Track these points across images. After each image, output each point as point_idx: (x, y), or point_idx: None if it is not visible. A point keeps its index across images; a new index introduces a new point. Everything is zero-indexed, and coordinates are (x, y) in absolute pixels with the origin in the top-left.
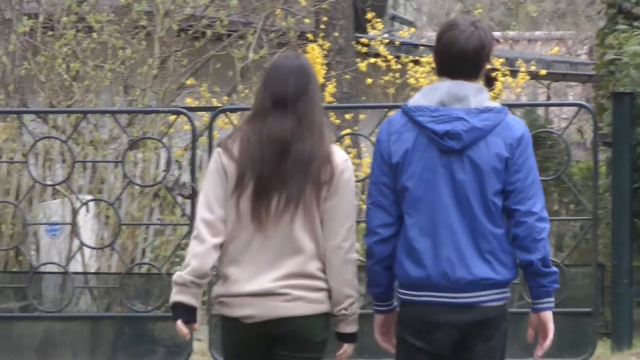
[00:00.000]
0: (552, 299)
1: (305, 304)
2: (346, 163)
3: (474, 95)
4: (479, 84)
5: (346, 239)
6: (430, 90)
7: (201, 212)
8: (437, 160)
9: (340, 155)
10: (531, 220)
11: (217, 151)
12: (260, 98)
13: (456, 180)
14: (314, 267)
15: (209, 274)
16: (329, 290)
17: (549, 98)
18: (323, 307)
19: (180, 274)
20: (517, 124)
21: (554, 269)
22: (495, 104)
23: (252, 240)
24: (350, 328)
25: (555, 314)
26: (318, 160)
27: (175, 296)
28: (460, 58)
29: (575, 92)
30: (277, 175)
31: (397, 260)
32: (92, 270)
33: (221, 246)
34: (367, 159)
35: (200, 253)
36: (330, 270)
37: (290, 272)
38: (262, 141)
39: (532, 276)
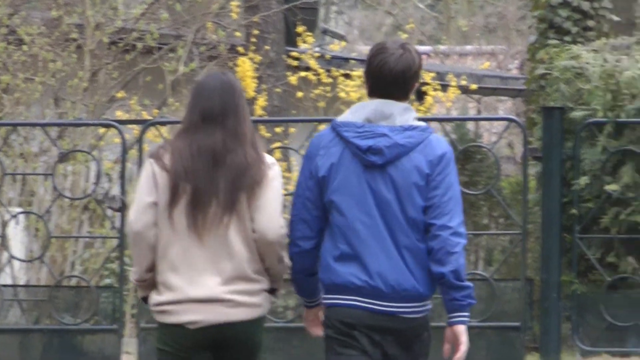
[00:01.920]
0: (466, 314)
1: (248, 309)
2: (273, 166)
3: (400, 114)
4: (407, 104)
5: (278, 229)
6: (359, 108)
7: (129, 221)
8: (361, 175)
9: (268, 160)
10: (445, 234)
11: (149, 161)
12: (189, 115)
13: (379, 195)
14: (250, 269)
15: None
16: (266, 290)
17: (479, 112)
18: (262, 310)
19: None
20: (439, 143)
21: (468, 284)
22: (421, 123)
23: (188, 248)
24: (278, 285)
25: (484, 328)
26: (252, 170)
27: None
28: (390, 80)
29: (505, 107)
30: (211, 185)
31: (324, 266)
32: (22, 282)
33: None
34: (297, 173)
35: (136, 260)
36: (268, 260)
37: (230, 276)
38: (193, 154)
39: (445, 289)
